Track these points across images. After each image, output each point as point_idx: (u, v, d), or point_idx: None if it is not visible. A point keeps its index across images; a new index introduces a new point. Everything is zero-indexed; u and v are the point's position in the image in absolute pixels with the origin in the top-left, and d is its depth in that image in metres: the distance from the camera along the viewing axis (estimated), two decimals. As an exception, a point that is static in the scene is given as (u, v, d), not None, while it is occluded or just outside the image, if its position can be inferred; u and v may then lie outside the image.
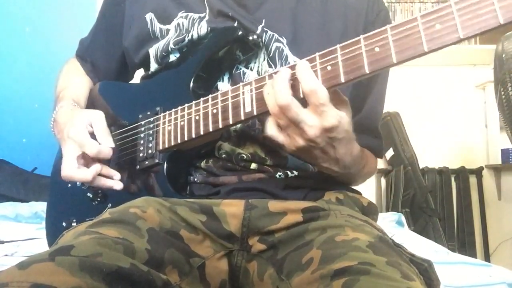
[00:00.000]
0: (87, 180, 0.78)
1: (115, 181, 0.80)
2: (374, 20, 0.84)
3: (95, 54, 1.02)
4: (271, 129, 0.64)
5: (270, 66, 0.80)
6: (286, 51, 0.80)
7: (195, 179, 0.81)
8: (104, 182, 0.79)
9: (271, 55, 0.80)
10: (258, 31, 0.80)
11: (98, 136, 0.80)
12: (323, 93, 0.59)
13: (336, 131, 0.62)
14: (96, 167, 0.78)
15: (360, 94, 0.85)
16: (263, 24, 0.81)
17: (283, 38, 0.80)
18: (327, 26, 0.82)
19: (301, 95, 0.62)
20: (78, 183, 0.90)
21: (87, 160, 0.79)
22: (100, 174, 0.79)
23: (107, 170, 0.80)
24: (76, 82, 0.99)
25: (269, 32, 0.80)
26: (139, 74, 0.98)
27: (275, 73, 0.65)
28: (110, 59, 0.99)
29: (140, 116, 0.83)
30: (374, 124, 0.90)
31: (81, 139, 0.78)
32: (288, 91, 0.61)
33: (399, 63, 0.56)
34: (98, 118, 0.81)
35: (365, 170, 0.83)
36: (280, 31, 0.81)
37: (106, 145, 0.79)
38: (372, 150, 0.89)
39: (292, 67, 0.63)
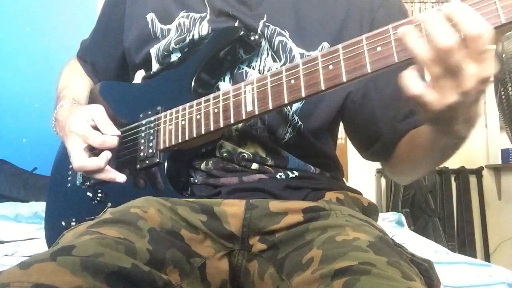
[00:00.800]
0: (100, 167, 0.77)
1: (118, 173, 0.79)
2: (382, 3, 0.82)
3: (95, 55, 1.02)
4: (417, 85, 0.54)
5: (274, 61, 0.80)
6: (290, 43, 0.80)
7: (196, 181, 0.81)
8: (107, 174, 0.78)
9: (275, 49, 0.80)
10: (260, 27, 0.80)
11: (101, 127, 0.79)
12: (488, 38, 0.50)
13: (487, 82, 0.54)
14: (107, 154, 0.78)
15: (390, 80, 0.79)
16: (264, 19, 0.81)
17: (285, 32, 0.80)
18: (329, 15, 0.82)
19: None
20: (77, 182, 0.90)
21: (93, 151, 0.79)
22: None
23: (108, 167, 0.80)
24: (77, 82, 0.99)
25: (271, 27, 0.80)
26: (139, 76, 0.98)
27: (275, 73, 0.64)
28: (110, 59, 0.99)
29: (141, 115, 0.84)
30: None
31: (84, 132, 0.78)
32: (452, 32, 0.51)
33: (401, 62, 0.56)
34: (98, 111, 0.81)
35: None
36: (282, 24, 0.81)
37: (110, 134, 0.79)
38: None
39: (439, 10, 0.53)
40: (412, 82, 0.54)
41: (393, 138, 0.81)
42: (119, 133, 0.80)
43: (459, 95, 0.53)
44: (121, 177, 0.78)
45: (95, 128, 0.79)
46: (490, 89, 2.67)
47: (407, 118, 0.79)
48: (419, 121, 0.77)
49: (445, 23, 0.51)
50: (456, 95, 0.53)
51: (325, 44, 0.80)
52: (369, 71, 0.58)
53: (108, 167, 0.79)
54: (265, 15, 0.81)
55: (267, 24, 0.80)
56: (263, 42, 0.80)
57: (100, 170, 0.77)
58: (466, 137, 0.63)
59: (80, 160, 0.77)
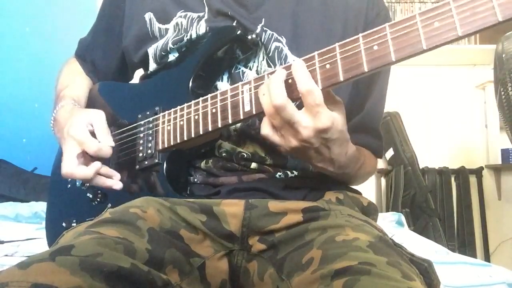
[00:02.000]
0: (88, 177, 0.78)
1: (114, 181, 0.80)
2: (374, 20, 0.84)
3: (94, 54, 1.02)
4: (265, 129, 0.65)
5: (269, 66, 0.80)
6: (286, 50, 0.80)
7: (195, 180, 0.81)
8: (104, 181, 0.79)
9: (270, 55, 0.80)
10: (258, 31, 0.80)
11: (98, 135, 0.80)
12: (318, 94, 0.60)
13: (330, 132, 0.63)
14: (96, 165, 0.78)
15: (360, 94, 0.85)
16: (262, 23, 0.81)
17: (282, 38, 0.80)
18: (327, 26, 0.82)
19: (297, 96, 0.62)
20: (77, 183, 0.90)
21: (86, 158, 0.79)
22: (100, 174, 0.79)
23: (107, 169, 0.80)
24: (77, 81, 0.99)
25: (269, 32, 0.80)
26: (138, 74, 0.98)
27: (272, 73, 0.65)
28: (109, 58, 0.99)
29: (140, 116, 0.83)
30: (374, 124, 0.90)
31: (81, 137, 0.78)
32: (283, 92, 0.61)
33: (398, 61, 0.56)
34: (98, 117, 0.81)
35: (362, 170, 0.83)
36: (279, 30, 0.81)
37: (106, 143, 0.79)
38: (372, 150, 0.89)
39: (288, 67, 0.64)
40: (263, 126, 0.65)
41: None
42: (113, 144, 0.80)
43: (300, 142, 0.63)
44: (117, 185, 0.79)
45: (93, 133, 0.80)
46: (490, 89, 2.67)
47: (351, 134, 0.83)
48: (361, 140, 0.85)
49: (281, 83, 0.62)
50: (297, 141, 0.63)
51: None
52: (366, 70, 0.58)
53: (106, 170, 0.79)
54: (263, 19, 0.81)
55: (265, 28, 0.80)
56: (260, 43, 0.80)
57: (88, 180, 0.79)
58: (341, 171, 0.73)
59: (69, 167, 0.78)
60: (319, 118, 0.61)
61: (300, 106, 0.62)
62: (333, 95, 0.65)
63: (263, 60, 0.81)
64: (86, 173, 0.77)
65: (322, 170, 0.72)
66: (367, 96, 0.87)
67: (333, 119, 0.62)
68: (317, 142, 0.63)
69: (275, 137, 0.65)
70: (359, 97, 0.85)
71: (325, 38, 0.81)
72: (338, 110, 0.64)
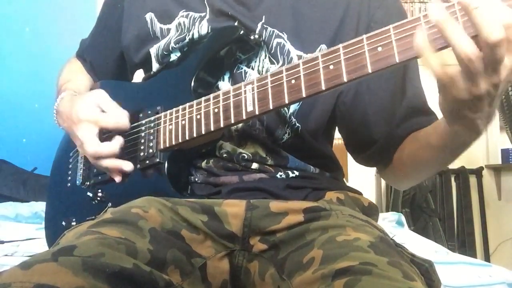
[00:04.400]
0: (115, 151, 0.78)
1: (124, 162, 0.79)
2: (381, 4, 0.82)
3: (93, 54, 1.02)
4: (451, 67, 0.52)
5: (272, 63, 0.80)
6: (288, 46, 0.80)
7: (196, 179, 0.81)
8: (114, 162, 0.79)
9: (272, 52, 0.80)
10: (258, 28, 0.80)
11: (109, 110, 0.80)
12: None
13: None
14: (119, 139, 0.79)
15: (398, 80, 0.81)
16: (263, 21, 0.81)
17: (283, 34, 0.80)
18: (327, 19, 0.82)
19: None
20: (77, 182, 0.90)
21: (105, 137, 0.80)
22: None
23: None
24: (78, 77, 1.00)
25: (269, 29, 0.80)
26: (137, 75, 0.98)
27: (275, 73, 0.64)
28: (108, 59, 0.99)
29: (141, 115, 0.84)
30: (424, 102, 0.83)
31: (95, 117, 0.79)
32: (500, 24, 0.47)
33: (402, 63, 0.56)
34: (102, 96, 0.82)
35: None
36: (280, 26, 0.80)
37: (120, 114, 0.80)
38: None
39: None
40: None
41: (391, 144, 0.80)
42: (127, 113, 0.81)
43: (489, 87, 0.51)
44: (127, 166, 0.79)
45: (103, 112, 0.80)
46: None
47: (405, 122, 0.79)
48: (417, 124, 0.77)
49: (496, 13, 0.48)
50: (487, 86, 0.51)
51: (323, 46, 0.80)
52: (369, 71, 0.58)
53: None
54: (264, 17, 0.81)
55: (265, 26, 0.80)
56: (262, 43, 0.80)
57: (114, 155, 0.78)
58: (482, 133, 0.61)
59: (94, 146, 0.78)
60: None
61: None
62: None
63: (265, 58, 0.81)
64: (112, 148, 0.78)
65: (477, 128, 0.59)
66: (405, 80, 0.82)
67: None
68: (503, 86, 0.53)
69: (459, 82, 0.52)
70: (398, 84, 0.80)
71: (326, 31, 0.81)
72: None
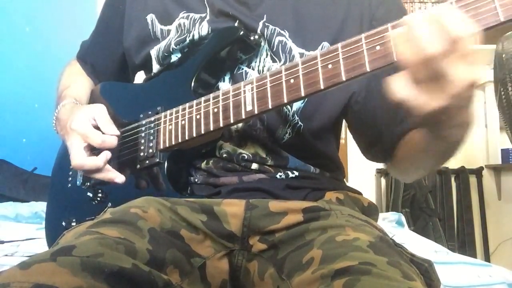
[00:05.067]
0: (99, 166, 0.77)
1: (117, 174, 0.79)
2: (379, 6, 0.82)
3: (94, 56, 1.02)
4: (403, 89, 0.52)
5: (274, 61, 0.80)
6: (290, 43, 0.80)
7: (196, 180, 0.81)
8: (106, 174, 0.79)
9: (274, 50, 0.80)
10: (260, 27, 0.80)
11: (102, 126, 0.79)
12: (475, 39, 0.50)
13: (476, 86, 0.53)
14: (106, 153, 0.78)
15: None
16: (264, 19, 0.81)
17: (285, 32, 0.80)
18: (329, 14, 0.82)
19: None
20: (78, 182, 0.90)
21: (93, 150, 0.79)
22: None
23: (107, 166, 0.80)
24: (78, 82, 0.99)
25: (271, 27, 0.80)
26: (139, 77, 0.98)
27: (274, 73, 0.64)
28: (109, 60, 1.00)
29: (141, 115, 0.84)
30: None
31: (85, 131, 0.78)
32: (435, 39, 0.50)
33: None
34: (99, 110, 0.81)
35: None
36: (281, 24, 0.81)
37: (110, 133, 0.79)
38: None
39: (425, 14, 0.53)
40: (398, 87, 0.53)
41: (390, 141, 0.81)
42: (118, 133, 0.80)
43: (447, 99, 0.52)
44: (120, 178, 0.78)
45: (96, 127, 0.79)
46: (490, 89, 2.67)
47: (403, 121, 0.79)
48: (412, 124, 0.77)
49: (432, 27, 0.50)
50: (444, 98, 0.52)
51: (325, 44, 0.80)
52: (368, 70, 0.58)
53: (108, 166, 0.79)
54: (265, 15, 0.81)
55: (266, 24, 0.80)
56: (263, 43, 0.80)
57: (98, 170, 0.77)
58: (462, 141, 0.63)
59: (79, 158, 0.77)
60: (473, 69, 0.51)
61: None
62: None
63: (266, 56, 0.81)
64: (96, 163, 0.77)
65: (450, 137, 0.61)
66: None
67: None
68: (462, 99, 0.53)
69: (416, 98, 0.52)
70: None
71: (328, 29, 0.81)
72: None
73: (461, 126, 0.59)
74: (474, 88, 0.52)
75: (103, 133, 0.79)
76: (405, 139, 0.79)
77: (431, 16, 0.51)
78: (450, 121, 0.57)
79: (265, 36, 0.80)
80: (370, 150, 0.86)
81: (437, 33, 0.50)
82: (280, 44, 0.80)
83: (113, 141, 0.78)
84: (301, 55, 0.79)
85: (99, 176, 0.78)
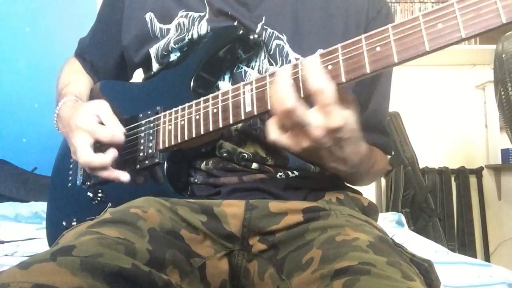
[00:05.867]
0: (106, 163, 0.77)
1: (122, 172, 0.78)
2: (376, 17, 0.84)
3: (93, 54, 1.02)
4: (273, 133, 0.61)
5: (270, 64, 0.80)
6: (287, 48, 0.80)
7: (196, 180, 0.81)
8: (112, 173, 0.78)
9: (271, 53, 0.80)
10: (258, 29, 0.80)
11: (107, 123, 0.79)
12: (331, 92, 0.57)
13: (343, 131, 0.60)
14: (113, 151, 0.77)
15: (364, 92, 0.85)
16: (263, 21, 0.81)
17: (283, 35, 0.80)
18: (328, 23, 0.82)
19: (302, 94, 0.61)
20: (78, 182, 0.90)
21: (98, 149, 0.79)
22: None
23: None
24: (78, 79, 0.99)
25: (269, 30, 0.80)
26: (137, 75, 0.98)
27: (272, 74, 0.65)
28: (108, 59, 0.99)
29: (140, 115, 0.83)
30: (381, 121, 0.89)
31: (92, 127, 0.78)
32: (292, 95, 0.58)
33: (401, 62, 0.56)
34: (103, 107, 0.81)
35: (374, 168, 0.82)
36: (280, 28, 0.81)
37: (116, 129, 0.79)
38: (381, 148, 0.88)
39: (295, 66, 0.62)
40: (270, 130, 0.61)
41: None
42: (124, 129, 0.80)
43: (312, 142, 0.59)
44: (125, 176, 0.78)
45: (101, 124, 0.79)
46: (490, 89, 2.67)
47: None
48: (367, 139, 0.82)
49: (288, 85, 0.58)
50: (309, 142, 0.60)
51: (321, 51, 0.80)
52: (368, 71, 0.58)
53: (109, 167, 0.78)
54: (264, 18, 0.81)
55: (265, 27, 0.80)
56: (261, 43, 0.80)
57: (105, 168, 0.77)
58: (351, 171, 0.71)
59: (86, 155, 0.77)
60: (331, 117, 0.58)
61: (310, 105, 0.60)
62: (346, 92, 0.62)
63: (264, 58, 0.81)
64: (104, 160, 0.76)
65: (335, 171, 0.71)
66: (371, 93, 0.86)
67: (346, 118, 0.59)
68: (330, 142, 0.60)
69: (285, 140, 0.61)
70: (363, 95, 0.84)
71: (326, 34, 0.81)
72: (351, 108, 0.61)
73: (344, 162, 0.67)
74: (337, 134, 0.60)
75: None
76: None
77: (291, 72, 0.61)
78: (326, 158, 0.65)
79: (263, 38, 0.80)
80: None
81: (289, 91, 0.58)
82: (277, 48, 0.80)
83: (121, 136, 0.78)
84: (297, 60, 0.79)
85: (105, 174, 0.78)
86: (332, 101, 0.57)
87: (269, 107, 0.66)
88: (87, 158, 0.77)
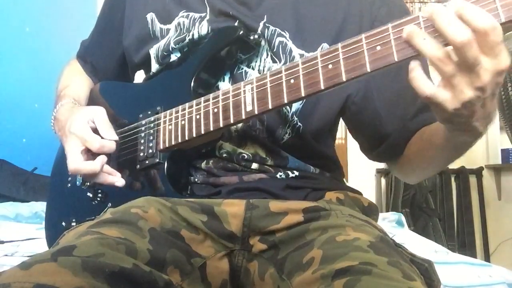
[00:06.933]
0: (95, 171, 0.77)
1: (117, 177, 0.79)
2: (379, 10, 0.82)
3: (95, 55, 1.02)
4: (429, 87, 0.54)
5: (274, 62, 0.80)
6: (290, 44, 0.80)
7: (196, 180, 0.81)
8: (106, 178, 0.79)
9: (274, 50, 0.80)
10: (260, 28, 0.80)
11: (101, 130, 0.79)
12: (500, 30, 0.50)
13: (503, 75, 0.53)
14: (103, 158, 0.77)
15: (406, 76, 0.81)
16: (265, 20, 0.81)
17: (285, 32, 0.80)
18: (329, 17, 0.82)
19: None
20: (78, 182, 0.90)
21: (91, 154, 0.79)
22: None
23: (107, 168, 0.80)
24: (77, 81, 0.99)
25: (271, 28, 0.80)
26: (139, 76, 0.98)
27: (277, 71, 0.64)
28: (109, 59, 0.99)
29: (141, 115, 0.83)
30: None
31: (83, 135, 0.78)
32: (466, 26, 0.50)
33: (401, 61, 0.56)
34: (99, 113, 0.81)
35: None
36: (282, 25, 0.81)
37: (109, 138, 0.78)
38: None
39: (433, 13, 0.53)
40: (423, 84, 0.54)
41: (402, 138, 0.81)
42: (117, 138, 0.80)
43: (475, 91, 0.52)
44: (120, 181, 0.79)
45: (95, 130, 0.79)
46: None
47: (417, 116, 0.79)
48: (429, 118, 0.77)
49: (456, 18, 0.51)
50: (472, 91, 0.52)
51: (325, 45, 0.80)
52: (368, 70, 0.58)
53: (108, 169, 0.79)
54: (265, 16, 0.81)
55: (267, 25, 0.80)
56: (263, 42, 0.80)
57: (95, 174, 0.77)
58: (483, 133, 0.62)
59: (75, 162, 0.77)
60: (501, 58, 0.51)
61: None
62: None
63: (267, 57, 0.81)
64: (93, 168, 0.77)
65: (470, 133, 0.61)
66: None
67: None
68: (490, 89, 0.53)
69: (443, 94, 0.53)
70: (406, 79, 0.80)
71: (328, 30, 0.81)
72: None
73: (487, 117, 0.59)
74: (501, 77, 0.53)
75: (101, 137, 0.79)
76: (419, 135, 0.78)
77: (452, 9, 0.51)
78: (477, 113, 0.56)
79: (266, 36, 0.80)
80: (376, 148, 0.85)
81: (462, 24, 0.50)
82: (280, 45, 0.80)
83: (111, 146, 0.78)
84: (301, 56, 0.79)
85: (99, 180, 0.78)
86: (502, 39, 0.51)
87: (270, 107, 0.66)
88: (75, 166, 0.77)
